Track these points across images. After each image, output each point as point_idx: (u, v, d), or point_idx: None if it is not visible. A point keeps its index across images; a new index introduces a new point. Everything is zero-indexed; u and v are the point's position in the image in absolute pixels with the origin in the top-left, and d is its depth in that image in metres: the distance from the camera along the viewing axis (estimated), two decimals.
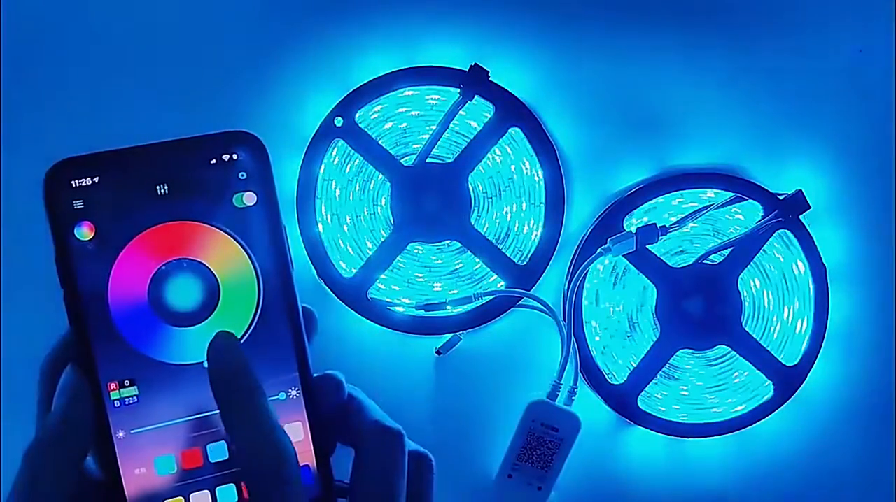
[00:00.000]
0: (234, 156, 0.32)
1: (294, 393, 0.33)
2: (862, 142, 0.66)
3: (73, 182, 0.30)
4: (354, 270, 0.64)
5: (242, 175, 0.32)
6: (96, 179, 0.31)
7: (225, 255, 0.32)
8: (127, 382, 0.31)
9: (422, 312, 0.64)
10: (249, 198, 0.32)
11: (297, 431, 0.33)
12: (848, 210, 0.66)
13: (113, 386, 0.31)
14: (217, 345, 0.31)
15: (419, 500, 0.33)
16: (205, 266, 0.32)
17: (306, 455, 0.33)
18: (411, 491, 0.33)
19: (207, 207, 0.32)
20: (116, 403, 0.31)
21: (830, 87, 0.66)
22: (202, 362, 0.31)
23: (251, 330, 0.32)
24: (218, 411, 0.30)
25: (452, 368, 0.66)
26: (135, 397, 0.31)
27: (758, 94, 0.65)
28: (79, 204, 0.30)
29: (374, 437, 0.32)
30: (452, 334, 0.65)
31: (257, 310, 0.32)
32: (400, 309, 0.64)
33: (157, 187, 0.31)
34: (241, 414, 0.30)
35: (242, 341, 0.32)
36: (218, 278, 0.32)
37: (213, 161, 0.32)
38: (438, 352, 0.65)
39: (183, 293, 0.32)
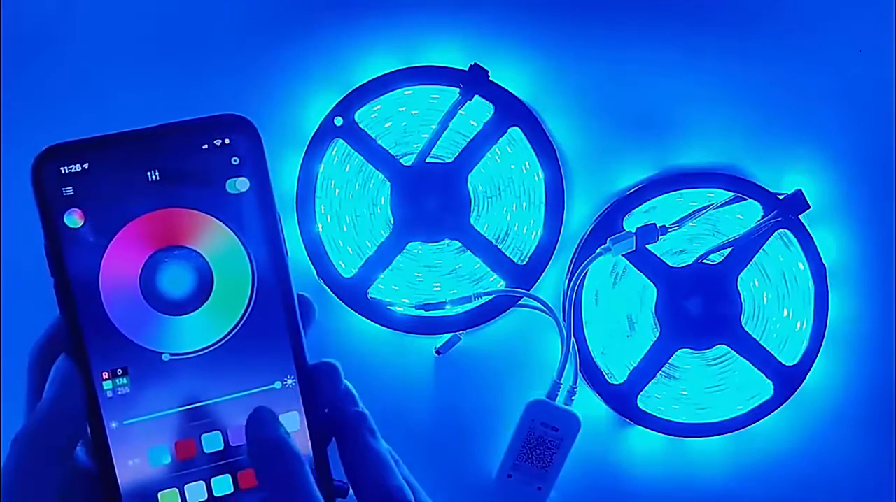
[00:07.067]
0: (227, 141, 0.31)
1: (290, 381, 0.32)
2: (862, 141, 0.66)
3: (62, 168, 0.30)
4: (354, 270, 0.64)
5: (235, 160, 0.31)
6: (86, 166, 0.30)
7: (218, 243, 0.31)
8: (119, 372, 0.30)
9: (421, 312, 0.64)
10: (243, 184, 0.31)
11: (294, 421, 0.32)
12: (848, 210, 0.66)
13: (105, 375, 0.30)
14: (255, 417, 0.31)
15: None
16: (198, 253, 0.31)
17: (303, 445, 0.32)
18: None
19: (200, 194, 0.31)
20: (109, 393, 0.30)
21: (830, 87, 0.66)
22: (196, 352, 0.31)
23: (245, 318, 0.32)
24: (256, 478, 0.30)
25: (452, 368, 0.66)
26: (127, 387, 0.30)
27: (757, 93, 0.65)
28: (68, 191, 0.30)
29: None
30: (452, 334, 0.65)
31: (251, 298, 0.32)
32: (400, 308, 0.64)
33: (149, 173, 0.31)
34: (283, 488, 0.29)
35: (236, 330, 0.31)
36: (211, 266, 0.31)
37: (206, 146, 0.31)
38: (438, 352, 0.65)
39: (176, 281, 0.31)
